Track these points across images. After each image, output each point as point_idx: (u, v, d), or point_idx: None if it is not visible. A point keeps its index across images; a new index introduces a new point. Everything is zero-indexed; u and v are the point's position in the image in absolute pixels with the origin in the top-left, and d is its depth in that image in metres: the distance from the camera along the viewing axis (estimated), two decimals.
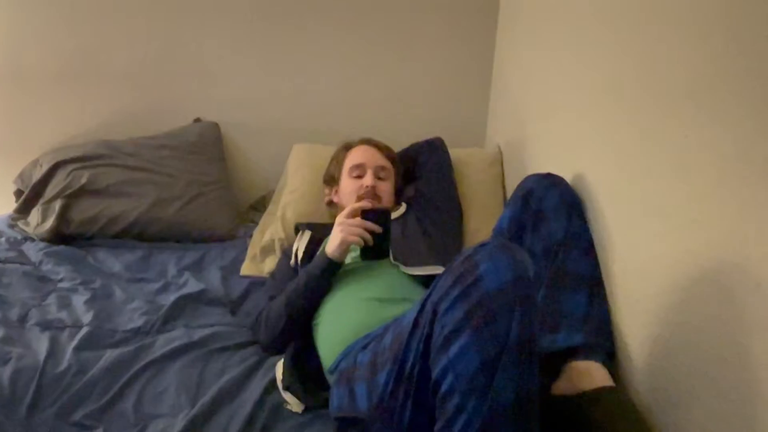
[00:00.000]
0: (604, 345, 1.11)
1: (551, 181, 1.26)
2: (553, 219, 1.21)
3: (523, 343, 0.81)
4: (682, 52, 0.93)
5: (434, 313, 0.87)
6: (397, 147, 1.78)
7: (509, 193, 1.54)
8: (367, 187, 1.55)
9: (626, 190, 1.11)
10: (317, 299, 1.32)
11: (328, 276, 1.32)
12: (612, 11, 1.19)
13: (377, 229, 1.30)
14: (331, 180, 1.69)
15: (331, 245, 1.30)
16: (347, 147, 1.68)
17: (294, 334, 1.33)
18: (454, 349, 0.82)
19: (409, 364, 0.93)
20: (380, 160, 1.63)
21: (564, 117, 1.44)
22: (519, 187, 1.29)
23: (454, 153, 1.83)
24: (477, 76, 2.06)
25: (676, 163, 0.94)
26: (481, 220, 1.76)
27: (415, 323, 0.93)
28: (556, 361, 1.08)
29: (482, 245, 0.87)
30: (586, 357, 1.06)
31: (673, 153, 0.95)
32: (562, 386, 1.06)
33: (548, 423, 0.96)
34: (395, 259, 1.36)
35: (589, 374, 1.03)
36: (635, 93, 1.09)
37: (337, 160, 1.68)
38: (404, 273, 1.33)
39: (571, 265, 1.17)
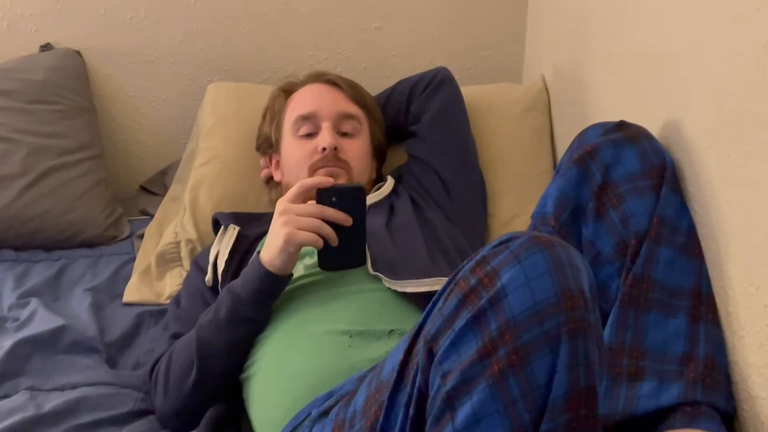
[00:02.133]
0: (719, 402, 1.09)
1: (628, 134, 1.24)
2: (630, 196, 1.19)
3: (575, 401, 0.81)
4: None
5: (430, 354, 0.87)
6: (382, 87, 1.80)
7: (560, 154, 1.55)
8: (324, 149, 1.53)
9: (753, 149, 1.08)
10: (248, 337, 1.33)
11: (265, 299, 1.31)
12: None
13: (345, 219, 1.26)
14: (268, 144, 1.69)
15: (269, 249, 1.27)
16: (288, 90, 1.70)
17: (211, 397, 1.35)
18: (462, 413, 0.82)
19: None
20: (343, 104, 1.63)
21: (648, 28, 1.42)
22: (575, 144, 1.28)
23: (473, 90, 1.83)
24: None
25: None
26: (517, 199, 1.77)
27: (401, 372, 0.93)
28: (639, 429, 1.07)
29: (507, 240, 0.87)
30: (690, 423, 1.05)
31: None
32: None
33: None
34: (375, 268, 1.34)
35: None
36: None
37: (274, 111, 1.70)
38: (390, 290, 1.31)
39: (662, 271, 1.16)
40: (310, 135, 1.58)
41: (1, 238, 1.85)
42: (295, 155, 1.58)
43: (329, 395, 1.15)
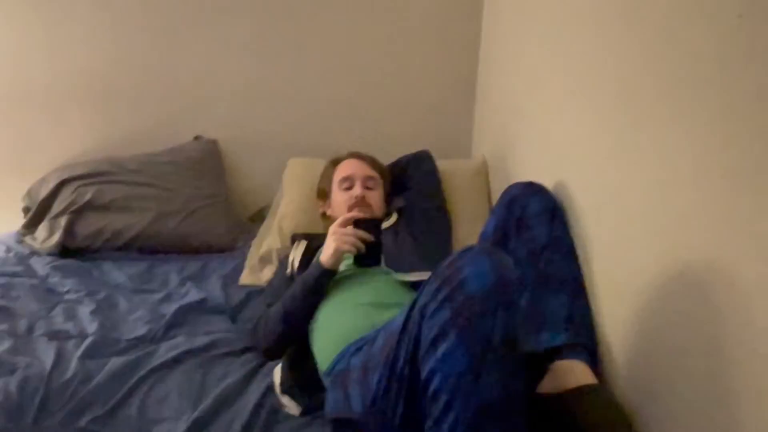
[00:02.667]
0: (587, 344, 1.10)
1: (534, 188, 1.27)
2: (536, 225, 1.21)
3: (506, 344, 0.82)
4: (657, 55, 0.93)
5: (422, 316, 0.87)
6: (387, 159, 1.78)
7: (495, 202, 1.54)
8: (356, 197, 1.54)
9: (605, 195, 1.12)
10: (312, 306, 1.31)
11: (322, 284, 1.31)
12: (589, 22, 1.20)
13: (369, 237, 1.29)
14: (323, 194, 1.68)
15: (325, 254, 1.29)
16: (335, 162, 1.68)
17: (291, 340, 1.32)
18: (440, 350, 0.82)
19: (399, 366, 0.93)
20: (367, 170, 1.62)
21: (545, 127, 1.44)
22: (503, 195, 1.30)
23: (442, 164, 1.83)
24: (462, 90, 2.07)
25: (653, 168, 0.95)
26: (469, 228, 1.75)
27: (404, 326, 0.93)
28: (541, 361, 1.08)
29: (466, 250, 0.87)
30: (570, 356, 1.06)
31: (649, 159, 0.96)
32: (547, 385, 1.05)
33: (535, 421, 0.95)
34: (387, 265, 1.35)
35: (572, 372, 1.03)
36: (612, 103, 1.09)
37: (327, 175, 1.68)
38: (395, 279, 1.32)
39: (554, 268, 1.17)
40: (349, 188, 1.57)
41: (170, 246, 1.84)
42: (340, 199, 1.57)
43: (359, 341, 1.16)
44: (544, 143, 1.45)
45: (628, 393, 1.03)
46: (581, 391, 0.99)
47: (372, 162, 1.66)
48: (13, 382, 1.23)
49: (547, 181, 1.30)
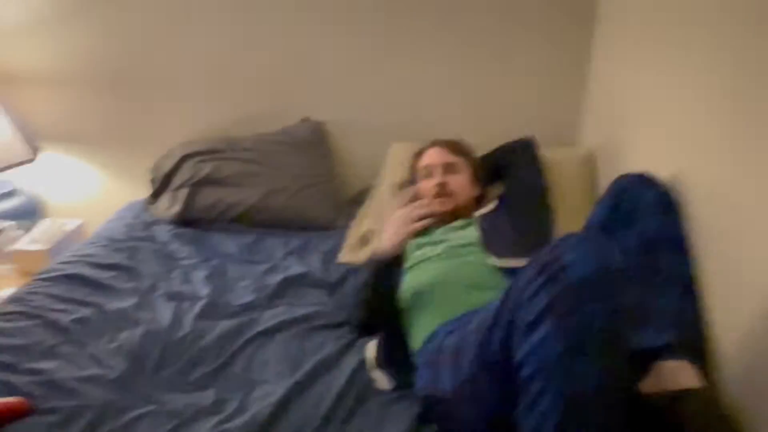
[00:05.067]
0: (695, 344, 1.05)
1: (646, 180, 1.21)
2: (647, 217, 1.16)
3: (606, 335, 0.79)
4: None
5: (518, 300, 0.86)
6: (489, 147, 1.76)
7: (601, 191, 1.47)
8: (437, 185, 1.53)
9: (722, 188, 1.05)
10: (381, 294, 1.32)
11: (381, 274, 1.32)
12: (714, 12, 1.12)
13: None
14: (411, 181, 1.69)
15: (382, 243, 1.31)
16: (418, 153, 1.67)
17: (377, 320, 1.34)
18: (536, 335, 0.81)
19: (492, 349, 0.92)
20: (447, 157, 1.59)
21: (659, 117, 1.37)
22: (612, 185, 1.25)
23: (547, 152, 1.76)
24: (572, 76, 1.99)
25: None
26: (572, 221, 1.65)
27: (500, 310, 0.92)
28: (645, 359, 1.03)
29: (569, 236, 0.86)
30: (676, 356, 1.00)
31: None
32: (650, 384, 1.00)
33: (635, 420, 0.92)
34: (485, 250, 1.34)
35: (678, 373, 0.98)
36: (730, 92, 1.02)
37: (411, 166, 1.69)
38: (491, 264, 1.31)
39: (665, 262, 1.12)
40: (429, 176, 1.58)
41: (277, 222, 1.91)
42: (423, 188, 1.58)
43: (454, 322, 1.17)
44: (658, 134, 1.39)
45: (738, 399, 0.97)
46: (686, 393, 0.94)
47: (453, 147, 1.64)
48: (137, 335, 1.36)
49: (661, 173, 1.24)
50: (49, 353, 1.30)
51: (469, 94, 2.07)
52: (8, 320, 1.39)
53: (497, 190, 1.69)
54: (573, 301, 0.79)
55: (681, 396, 0.93)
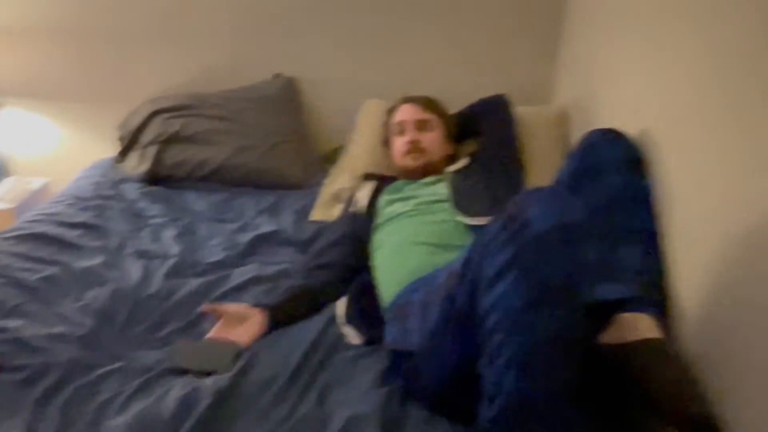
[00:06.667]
0: (655, 298, 1.07)
1: (613, 136, 1.21)
2: (613, 172, 1.16)
3: (566, 286, 0.80)
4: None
5: (483, 253, 0.86)
6: (462, 104, 1.74)
7: (570, 145, 1.49)
8: (408, 143, 1.53)
9: (687, 145, 1.06)
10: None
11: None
12: None
13: None
14: (386, 142, 1.69)
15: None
16: (390, 110, 1.67)
17: (335, 272, 1.38)
18: (499, 288, 0.82)
19: (458, 302, 0.93)
20: (419, 113, 1.59)
21: (629, 76, 1.38)
22: (581, 140, 1.25)
23: (520, 111, 1.76)
24: (546, 34, 1.97)
25: (738, 117, 0.88)
26: (544, 177, 1.68)
27: (466, 264, 0.92)
28: (606, 312, 1.04)
29: (534, 191, 0.86)
30: (636, 309, 1.02)
31: (735, 108, 0.90)
32: (609, 336, 1.01)
33: (594, 371, 0.94)
34: (456, 208, 1.34)
35: (637, 325, 0.99)
36: (697, 52, 1.03)
37: (384, 123, 1.68)
38: (462, 222, 1.31)
39: (628, 218, 1.13)
40: (402, 133, 1.58)
41: (247, 180, 1.88)
42: (395, 146, 1.59)
43: (421, 280, 1.18)
44: (627, 92, 1.39)
45: (697, 351, 0.99)
46: (645, 344, 0.95)
47: (426, 104, 1.62)
48: (105, 293, 1.35)
49: (630, 131, 1.24)
50: (15, 311, 1.28)
51: (443, 51, 2.04)
52: None
53: (470, 147, 1.68)
54: (534, 254, 0.80)
55: (639, 346, 0.95)
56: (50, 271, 1.42)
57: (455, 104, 1.73)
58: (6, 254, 1.46)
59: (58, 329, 1.24)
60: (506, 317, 0.81)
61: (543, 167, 1.72)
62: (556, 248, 0.80)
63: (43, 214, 1.66)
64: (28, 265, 1.44)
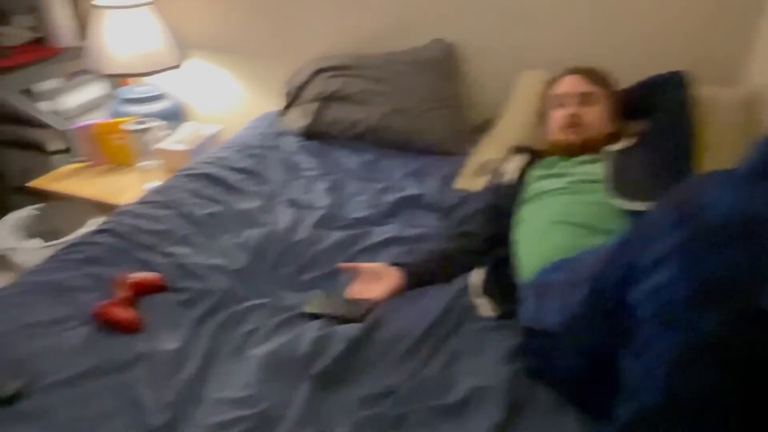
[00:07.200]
0: None
1: None
2: None
3: (742, 286, 0.70)
4: None
5: (645, 238, 0.79)
6: (633, 80, 1.60)
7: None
8: (568, 116, 1.43)
9: None
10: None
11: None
12: None
13: None
14: (542, 114, 1.60)
15: None
16: (551, 81, 1.56)
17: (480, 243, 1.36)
18: (659, 276, 0.74)
19: (608, 286, 0.86)
20: (584, 86, 1.47)
21: None
22: None
23: (702, 90, 1.57)
24: (743, 2, 1.73)
25: None
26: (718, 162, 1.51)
27: (622, 246, 0.85)
28: None
29: (713, 173, 0.77)
30: None
31: None
32: None
33: (753, 385, 0.81)
34: (614, 190, 1.25)
35: None
36: None
37: (542, 95, 1.59)
38: (617, 206, 1.22)
39: None
40: (561, 106, 1.48)
41: (398, 142, 1.88)
42: (554, 118, 1.49)
43: (565, 261, 1.12)
44: None
45: None
46: None
47: (592, 75, 1.51)
48: (259, 234, 1.47)
49: None
50: (183, 240, 1.43)
51: (615, 19, 1.87)
52: (152, 208, 1.54)
53: (636, 127, 1.54)
54: (709, 243, 0.71)
55: None
56: (215, 208, 1.57)
57: (626, 80, 1.60)
58: (180, 189, 1.64)
59: (217, 261, 1.36)
60: (663, 309, 0.74)
61: (721, 157, 1.53)
62: (733, 242, 0.70)
63: (214, 158, 1.83)
64: (197, 200, 1.59)
